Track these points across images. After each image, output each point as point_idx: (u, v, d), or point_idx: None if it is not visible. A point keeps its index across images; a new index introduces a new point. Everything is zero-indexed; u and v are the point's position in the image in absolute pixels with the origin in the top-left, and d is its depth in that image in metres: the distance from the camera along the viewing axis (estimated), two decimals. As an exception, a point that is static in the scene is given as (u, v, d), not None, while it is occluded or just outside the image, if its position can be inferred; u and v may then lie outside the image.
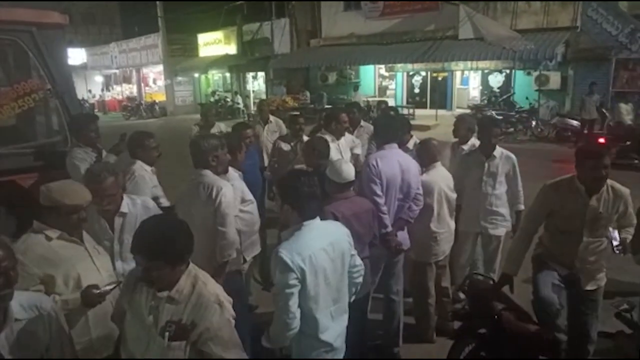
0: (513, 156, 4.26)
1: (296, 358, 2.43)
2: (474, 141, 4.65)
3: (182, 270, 2.00)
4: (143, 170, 3.79)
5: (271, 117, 6.83)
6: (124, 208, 2.87)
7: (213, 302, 2.00)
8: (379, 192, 3.52)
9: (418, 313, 4.18)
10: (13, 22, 4.11)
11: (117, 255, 2.83)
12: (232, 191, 3.33)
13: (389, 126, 3.88)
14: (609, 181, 3.08)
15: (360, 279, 2.67)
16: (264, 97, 22.92)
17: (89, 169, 2.84)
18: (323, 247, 2.36)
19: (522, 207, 4.27)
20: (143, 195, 3.30)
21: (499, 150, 4.23)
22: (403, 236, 3.72)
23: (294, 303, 2.27)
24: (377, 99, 18.77)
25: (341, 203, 3.07)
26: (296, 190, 2.38)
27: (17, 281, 1.86)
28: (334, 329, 2.44)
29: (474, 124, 4.76)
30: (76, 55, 30.28)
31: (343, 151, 5.00)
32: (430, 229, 3.94)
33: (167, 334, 1.93)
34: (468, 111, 16.23)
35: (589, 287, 3.19)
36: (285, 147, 5.51)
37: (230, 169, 3.66)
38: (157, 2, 25.82)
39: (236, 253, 3.40)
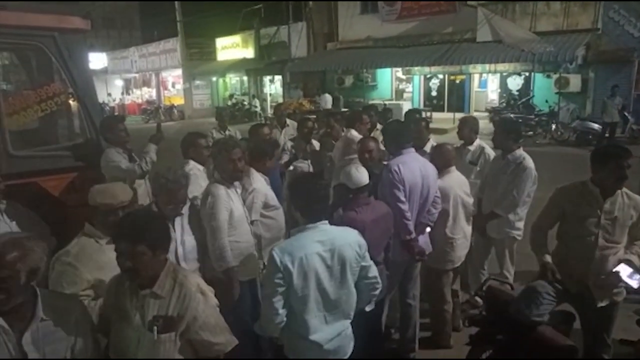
0: (528, 164, 4.10)
1: (287, 352, 2.49)
2: (479, 142, 4.71)
3: (161, 261, 2.06)
4: (196, 170, 3.90)
5: (288, 121, 6.87)
6: (184, 210, 2.94)
7: (195, 292, 2.08)
8: (402, 198, 3.46)
9: (434, 319, 4.15)
10: (36, 28, 4.20)
11: (180, 258, 2.91)
12: (229, 198, 3.25)
13: (401, 131, 3.83)
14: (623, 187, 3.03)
15: (377, 292, 2.62)
16: (280, 100, 23.02)
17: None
18: (319, 252, 2.34)
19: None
20: (196, 194, 3.43)
21: (516, 154, 4.15)
22: (424, 240, 3.69)
23: (277, 300, 2.31)
24: (394, 102, 18.73)
25: (364, 209, 3.05)
26: (302, 193, 2.42)
27: (34, 279, 1.88)
28: (326, 332, 2.42)
29: (477, 125, 4.80)
30: (97, 60, 30.80)
31: None
32: (446, 234, 3.91)
33: (155, 328, 2.00)
34: (486, 114, 16.12)
35: (602, 303, 3.08)
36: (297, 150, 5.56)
37: (257, 173, 3.67)
38: (176, 7, 26.18)
39: (251, 260, 3.39)
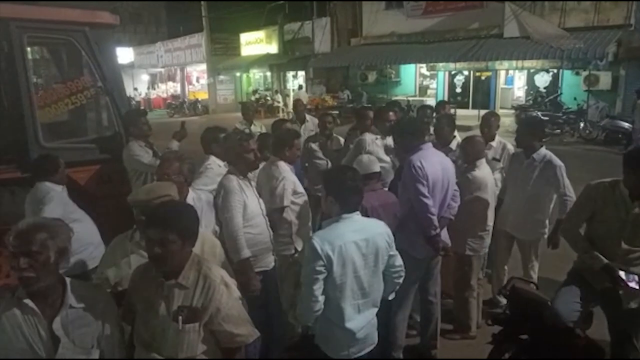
0: (557, 162, 4.07)
1: (319, 340, 2.54)
2: (499, 138, 4.77)
3: (188, 252, 2.10)
4: (216, 165, 3.94)
5: (307, 117, 6.81)
6: (189, 201, 2.96)
7: (219, 284, 2.11)
8: (426, 193, 3.44)
9: (459, 307, 4.18)
10: (67, 22, 4.29)
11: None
12: (242, 191, 3.32)
13: (415, 127, 3.82)
14: None
15: (401, 280, 2.69)
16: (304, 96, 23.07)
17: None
18: (356, 241, 2.43)
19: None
20: (213, 188, 3.48)
21: (541, 153, 4.11)
22: (445, 235, 3.68)
23: (318, 288, 2.38)
24: (418, 98, 18.58)
25: (370, 195, 3.21)
26: (340, 184, 2.48)
27: (62, 261, 1.96)
28: (359, 320, 2.49)
29: (499, 122, 4.86)
30: (124, 54, 31.31)
31: (389, 150, 4.98)
32: (486, 223, 4.02)
33: (180, 318, 2.04)
34: (512, 112, 15.85)
35: (632, 305, 2.97)
36: (315, 146, 5.56)
37: (282, 162, 3.78)
38: (202, 2, 26.41)
39: (265, 252, 3.46)
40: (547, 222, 4.22)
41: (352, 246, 2.41)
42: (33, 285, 1.88)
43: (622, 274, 2.84)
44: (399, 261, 2.63)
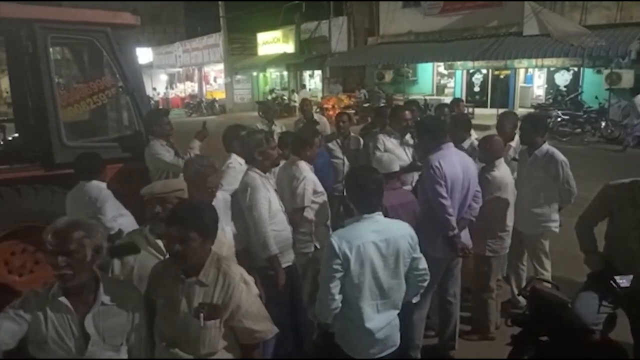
0: (559, 157, 4.13)
1: (339, 339, 2.56)
2: (518, 138, 4.72)
3: (208, 250, 2.13)
4: (237, 164, 3.99)
5: (316, 116, 6.77)
6: (219, 201, 3.01)
7: (239, 281, 2.14)
8: (444, 193, 3.43)
9: (479, 308, 4.15)
10: (90, 23, 4.37)
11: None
12: (266, 188, 3.39)
13: (439, 126, 3.80)
14: None
15: (425, 284, 2.68)
16: (320, 95, 23.07)
17: (196, 161, 2.91)
18: (375, 241, 2.43)
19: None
20: (234, 187, 3.53)
21: (543, 149, 4.16)
22: (465, 236, 3.65)
23: (335, 286, 2.40)
24: (435, 97, 18.45)
25: (390, 194, 3.22)
26: (359, 185, 2.49)
27: (98, 259, 1.99)
28: (378, 321, 2.49)
29: (517, 121, 4.78)
30: (143, 55, 31.68)
31: (407, 148, 4.96)
32: (506, 223, 4.00)
33: (201, 315, 2.06)
34: (531, 110, 15.62)
35: None
36: (331, 145, 5.55)
37: (303, 162, 3.80)
38: (219, 2, 26.60)
39: (288, 248, 3.52)
40: (552, 216, 4.23)
41: (371, 246, 2.41)
42: (70, 282, 1.93)
43: (617, 278, 2.80)
44: (423, 264, 2.61)
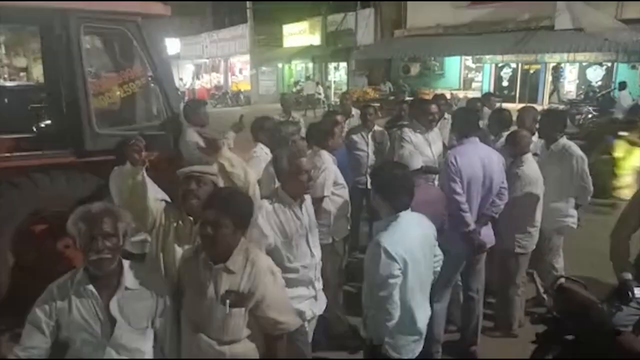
0: (576, 152, 4.12)
1: (392, 348, 2.44)
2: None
3: (238, 238, 2.15)
4: (263, 153, 4.08)
5: (353, 111, 6.74)
6: None
7: (266, 271, 2.16)
8: (458, 190, 3.43)
9: (503, 304, 4.13)
10: (121, 13, 4.43)
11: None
12: None
13: (468, 119, 3.77)
14: None
15: (439, 268, 2.70)
16: (344, 87, 22.99)
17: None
18: (418, 240, 2.41)
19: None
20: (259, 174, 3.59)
21: (560, 143, 4.17)
22: (487, 233, 3.61)
23: (397, 293, 2.31)
24: (462, 91, 18.18)
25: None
26: (390, 182, 2.43)
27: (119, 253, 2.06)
28: (423, 317, 2.51)
29: (537, 115, 4.75)
30: (171, 45, 31.95)
31: (432, 143, 4.89)
32: (535, 218, 3.95)
33: (227, 301, 2.09)
34: (561, 107, 15.25)
35: None
36: (356, 137, 5.53)
37: (324, 152, 3.83)
38: (247, -6, 26.69)
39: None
40: (569, 212, 4.23)
41: (417, 244, 2.40)
42: (108, 266, 2.00)
43: (637, 290, 2.74)
44: (438, 250, 2.65)
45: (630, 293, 2.73)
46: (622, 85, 13.68)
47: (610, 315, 2.72)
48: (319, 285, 3.05)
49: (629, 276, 2.87)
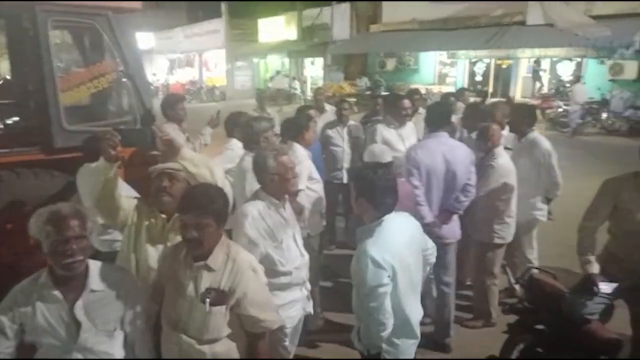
0: (544, 146, 4.24)
1: (389, 354, 2.38)
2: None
3: (220, 234, 2.13)
4: (237, 147, 4.07)
5: (327, 107, 6.70)
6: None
7: (247, 268, 2.14)
8: (415, 182, 3.51)
9: (480, 295, 4.22)
10: (91, 7, 4.33)
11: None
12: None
13: (438, 113, 3.82)
14: None
15: (433, 259, 2.66)
16: (321, 82, 22.98)
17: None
18: (405, 242, 2.35)
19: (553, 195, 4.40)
20: (230, 167, 3.62)
21: (529, 137, 4.30)
22: (451, 227, 3.66)
23: (388, 302, 2.23)
24: (436, 86, 18.35)
25: None
26: (373, 184, 2.32)
27: (89, 254, 2.02)
28: (418, 317, 2.48)
29: (507, 110, 4.88)
30: (144, 40, 31.43)
31: (405, 139, 4.93)
32: (512, 208, 4.06)
33: (207, 300, 2.06)
34: (534, 102, 15.57)
35: None
36: (332, 132, 5.55)
37: (298, 146, 3.83)
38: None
39: None
40: (538, 205, 4.35)
41: (405, 248, 2.33)
42: (79, 268, 1.95)
43: (601, 283, 2.81)
44: (430, 242, 2.61)
45: (595, 287, 2.79)
46: (577, 78, 14.06)
47: (578, 304, 2.79)
48: (308, 284, 3.01)
49: (594, 269, 2.95)
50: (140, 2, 4.61)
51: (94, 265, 2.08)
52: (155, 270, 2.41)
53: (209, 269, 2.09)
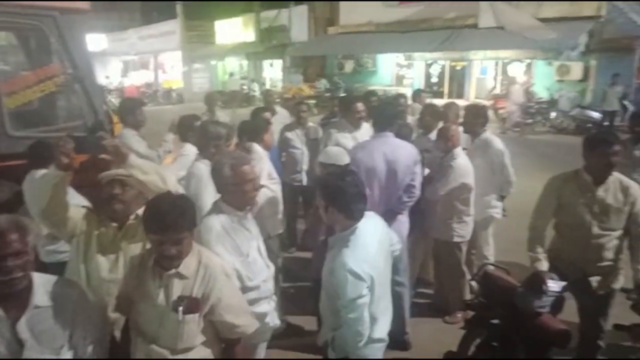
0: (497, 145, 4.38)
1: (361, 356, 2.34)
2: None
3: (192, 241, 2.08)
4: (192, 152, 3.91)
5: (277, 108, 6.69)
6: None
7: (220, 273, 2.09)
8: None
9: (452, 293, 4.30)
10: (37, 7, 4.16)
11: None
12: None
13: (383, 114, 3.86)
14: (616, 174, 3.05)
15: (398, 252, 2.70)
16: (280, 84, 22.94)
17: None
18: (377, 246, 2.32)
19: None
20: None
21: (482, 137, 4.43)
22: (397, 228, 3.62)
23: (367, 312, 2.21)
24: (394, 88, 18.64)
25: None
26: (344, 192, 2.25)
27: (31, 268, 1.89)
28: (389, 320, 2.47)
29: (459, 111, 5.07)
30: (96, 41, 30.47)
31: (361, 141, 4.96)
32: (470, 207, 4.17)
33: (180, 308, 1.99)
34: (486, 102, 16.04)
35: (601, 291, 3.14)
36: (290, 135, 5.54)
37: (257, 147, 3.82)
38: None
39: None
40: (493, 203, 4.50)
41: (378, 254, 2.30)
42: (19, 285, 1.81)
43: (549, 281, 2.91)
44: (394, 235, 2.62)
45: (543, 286, 2.90)
46: (512, 80, 14.62)
47: (529, 299, 2.89)
48: (275, 296, 2.89)
49: (543, 267, 3.06)
50: (89, 3, 4.46)
51: (40, 279, 1.94)
52: (107, 282, 2.33)
53: (181, 276, 2.03)
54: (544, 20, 14.63)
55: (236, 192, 2.55)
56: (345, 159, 3.53)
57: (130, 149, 4.10)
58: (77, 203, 3.45)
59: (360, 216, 2.30)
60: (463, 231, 4.19)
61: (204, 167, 3.26)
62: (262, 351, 2.98)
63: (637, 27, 13.92)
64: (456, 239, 4.18)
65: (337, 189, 2.26)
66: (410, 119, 5.72)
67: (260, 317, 2.64)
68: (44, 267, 2.45)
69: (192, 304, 2.01)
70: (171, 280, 2.03)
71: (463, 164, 4.10)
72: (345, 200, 2.25)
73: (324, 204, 2.30)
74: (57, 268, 2.55)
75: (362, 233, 2.27)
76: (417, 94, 7.40)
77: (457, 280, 4.28)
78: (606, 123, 13.07)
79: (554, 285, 2.89)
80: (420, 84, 19.83)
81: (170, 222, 1.93)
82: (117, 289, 2.30)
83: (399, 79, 20.94)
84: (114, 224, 2.40)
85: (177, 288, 2.02)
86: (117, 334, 2.36)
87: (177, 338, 2.03)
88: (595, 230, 3.06)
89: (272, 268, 2.82)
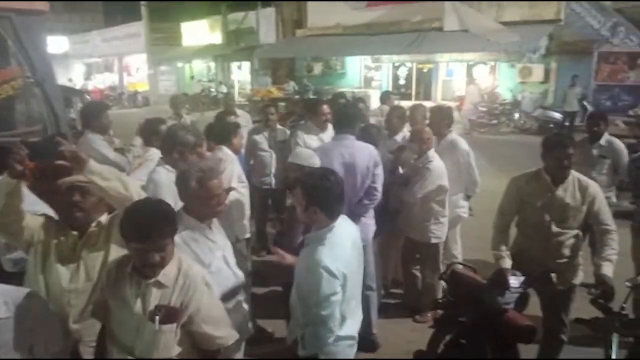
0: (462, 146, 4.49)
1: (332, 355, 2.34)
2: (405, 132, 4.96)
3: (173, 248, 2.03)
4: (157, 157, 3.76)
5: (238, 111, 6.70)
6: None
7: (201, 283, 2.04)
8: None
9: (428, 292, 4.37)
10: (-9, 8, 4.02)
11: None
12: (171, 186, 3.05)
13: (343, 116, 3.87)
14: (575, 174, 3.15)
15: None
16: (249, 87, 22.79)
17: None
18: (351, 248, 2.34)
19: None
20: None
21: (448, 139, 4.55)
22: (362, 230, 3.58)
23: (338, 310, 2.23)
24: (362, 90, 18.78)
25: None
26: (326, 191, 2.27)
27: None
28: (359, 319, 2.48)
29: (426, 112, 5.11)
30: (58, 44, 29.64)
31: None
32: (445, 208, 4.25)
33: (157, 317, 1.94)
34: (451, 104, 16.34)
35: (562, 287, 3.25)
36: (259, 138, 5.52)
37: (226, 149, 3.80)
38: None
39: None
40: (460, 203, 4.62)
41: (352, 253, 2.32)
42: None
43: (511, 278, 2.99)
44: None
45: (505, 282, 2.96)
46: (470, 80, 14.98)
47: (494, 296, 2.95)
48: (246, 305, 2.79)
49: (506, 265, 3.14)
50: (48, 3, 4.33)
51: (2, 290, 1.89)
52: (68, 292, 2.25)
53: (160, 285, 1.97)
54: (506, 23, 15.01)
55: (200, 205, 2.47)
56: (316, 161, 3.46)
57: (98, 154, 4.04)
58: (38, 210, 3.35)
59: (338, 215, 2.34)
60: (440, 232, 4.27)
61: (164, 173, 3.14)
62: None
63: (594, 30, 14.46)
64: (434, 240, 4.26)
65: (323, 189, 2.27)
66: (377, 120, 5.78)
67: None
68: (7, 278, 2.34)
69: (169, 314, 1.96)
70: (149, 288, 1.97)
71: (438, 166, 4.17)
72: (330, 200, 2.27)
73: (304, 203, 2.30)
74: (21, 278, 2.45)
75: (338, 232, 2.30)
76: (385, 96, 7.48)
77: (433, 279, 4.33)
78: (567, 123, 13.53)
79: (515, 281, 2.97)
80: (388, 85, 20.04)
81: (154, 228, 1.88)
82: (78, 299, 2.24)
83: (367, 81, 21.10)
84: (74, 232, 2.32)
85: (155, 297, 1.96)
86: (81, 346, 2.29)
87: (153, 348, 1.97)
88: (555, 228, 3.16)
89: (241, 276, 2.73)
